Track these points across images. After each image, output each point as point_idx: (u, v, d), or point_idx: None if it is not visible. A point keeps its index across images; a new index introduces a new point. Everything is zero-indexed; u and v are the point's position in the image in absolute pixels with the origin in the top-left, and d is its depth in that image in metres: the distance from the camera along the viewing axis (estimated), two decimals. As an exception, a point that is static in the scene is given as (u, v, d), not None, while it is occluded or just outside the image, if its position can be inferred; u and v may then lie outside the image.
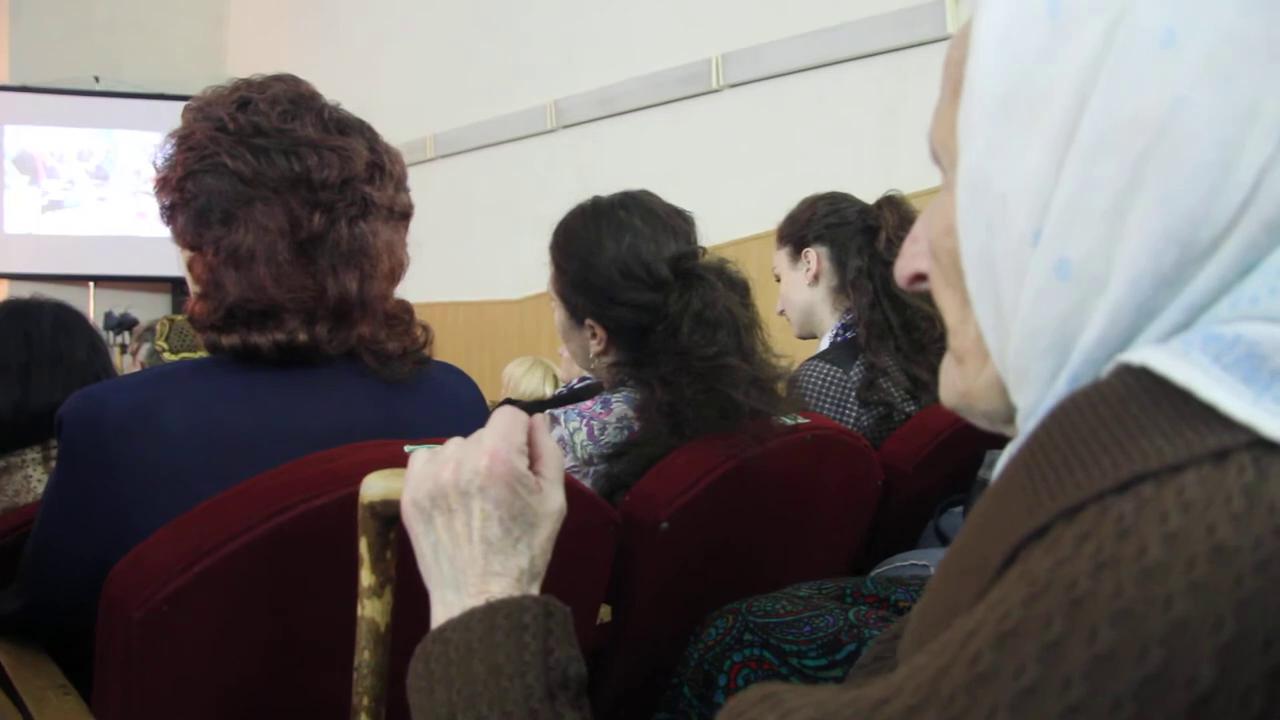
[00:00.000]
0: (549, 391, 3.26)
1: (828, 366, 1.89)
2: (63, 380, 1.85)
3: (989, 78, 0.50)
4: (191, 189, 1.11)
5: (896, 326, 1.91)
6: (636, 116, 4.59)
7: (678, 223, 1.52)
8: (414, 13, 5.92)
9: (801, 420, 1.48)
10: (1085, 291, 0.46)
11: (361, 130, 1.18)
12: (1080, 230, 0.46)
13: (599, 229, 1.49)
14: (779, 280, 2.12)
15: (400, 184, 1.21)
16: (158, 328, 2.91)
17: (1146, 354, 0.43)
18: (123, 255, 7.17)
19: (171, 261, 1.20)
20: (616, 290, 1.46)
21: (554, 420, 1.46)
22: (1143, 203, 0.44)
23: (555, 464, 0.74)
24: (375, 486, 0.77)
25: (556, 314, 1.58)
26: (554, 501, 0.73)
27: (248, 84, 1.17)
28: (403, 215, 1.21)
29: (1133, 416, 0.42)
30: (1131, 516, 0.38)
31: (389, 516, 0.78)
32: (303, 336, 1.10)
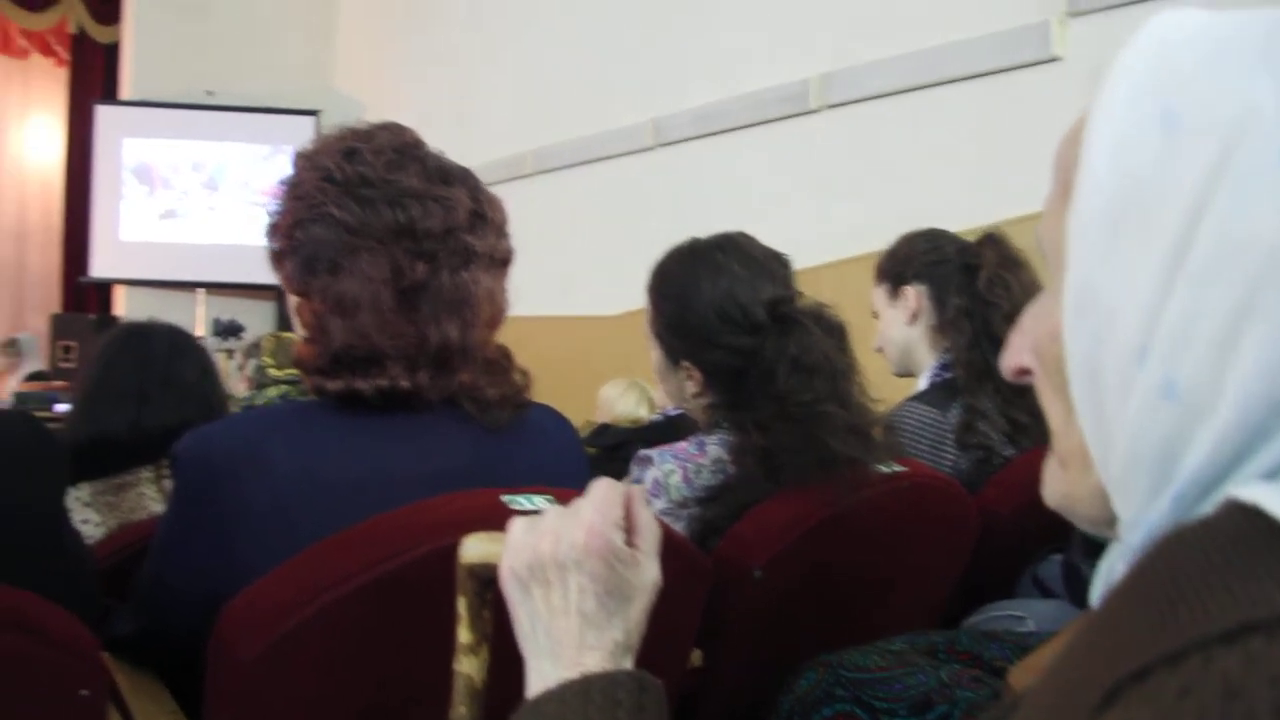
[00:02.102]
0: (644, 414, 3.26)
1: (925, 408, 1.86)
2: (175, 402, 1.91)
3: (1101, 188, 0.48)
4: (300, 237, 1.15)
5: (996, 368, 1.87)
6: (734, 136, 4.57)
7: (774, 266, 1.51)
8: (518, 30, 6.00)
9: (898, 468, 1.46)
10: (1192, 413, 0.45)
11: (464, 179, 1.20)
12: (1189, 353, 0.45)
13: (696, 271, 1.49)
14: (876, 316, 2.09)
15: (501, 231, 1.23)
16: (263, 344, 2.99)
17: (1259, 493, 0.42)
18: (231, 263, 7.38)
19: (276, 271, 1.23)
20: (713, 333, 1.46)
21: (648, 461, 1.46)
22: (1255, 329, 0.43)
23: (652, 537, 0.75)
24: (474, 549, 0.79)
25: (653, 353, 1.58)
26: (649, 575, 0.73)
27: (354, 133, 1.20)
28: (503, 262, 1.23)
29: (1242, 559, 0.40)
30: (1239, 675, 0.36)
31: (487, 578, 0.79)
32: (405, 383, 1.12)
